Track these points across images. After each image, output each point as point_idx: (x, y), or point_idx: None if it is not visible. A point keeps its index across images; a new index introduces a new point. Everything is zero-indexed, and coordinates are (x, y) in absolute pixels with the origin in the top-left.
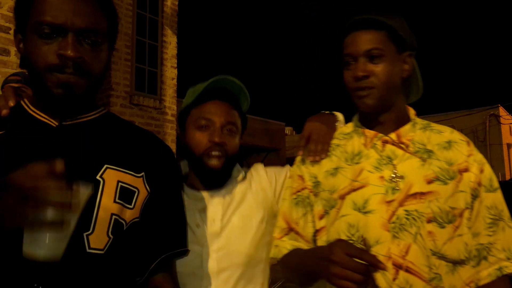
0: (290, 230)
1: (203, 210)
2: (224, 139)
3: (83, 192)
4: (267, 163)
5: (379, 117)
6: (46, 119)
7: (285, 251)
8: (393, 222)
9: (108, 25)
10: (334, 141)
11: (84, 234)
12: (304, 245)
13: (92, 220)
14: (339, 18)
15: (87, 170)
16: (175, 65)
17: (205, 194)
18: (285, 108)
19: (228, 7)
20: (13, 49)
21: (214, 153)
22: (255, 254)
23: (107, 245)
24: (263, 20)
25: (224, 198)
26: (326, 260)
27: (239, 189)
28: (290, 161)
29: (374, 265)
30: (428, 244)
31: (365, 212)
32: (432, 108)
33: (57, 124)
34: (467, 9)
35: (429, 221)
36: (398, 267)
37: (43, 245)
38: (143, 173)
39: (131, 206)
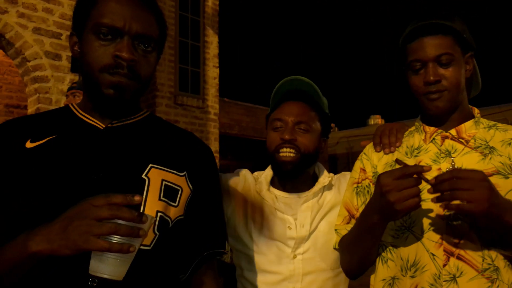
0: (351, 217)
1: (293, 214)
2: (295, 136)
3: (149, 220)
4: None
5: (444, 118)
6: (93, 122)
7: (344, 232)
8: (449, 211)
9: (160, 33)
10: None
11: None
12: None
13: None
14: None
15: (132, 169)
16: (217, 65)
17: (294, 196)
18: (327, 105)
19: (268, 6)
20: (64, 54)
21: (285, 149)
22: (339, 261)
23: (154, 241)
24: (305, 18)
25: (312, 203)
26: (380, 196)
27: (329, 195)
28: (333, 158)
29: (421, 171)
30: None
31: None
32: (485, 101)
33: (104, 126)
34: None
35: None
36: (449, 253)
37: (110, 266)
38: (185, 172)
39: (176, 204)
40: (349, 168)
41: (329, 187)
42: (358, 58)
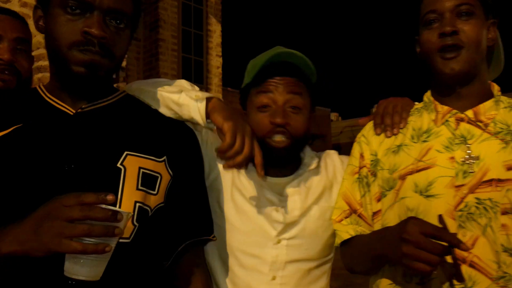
0: (352, 212)
1: (279, 195)
2: (288, 119)
3: (125, 217)
4: (312, 150)
5: (458, 89)
6: (63, 106)
7: (346, 236)
8: (461, 210)
9: (133, 10)
10: None
11: None
12: (366, 229)
13: None
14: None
15: (106, 158)
16: (220, 54)
17: (279, 180)
18: (330, 94)
19: None
20: None
21: (277, 135)
22: (325, 252)
23: (133, 233)
24: (309, 5)
25: (300, 187)
26: (397, 239)
27: (316, 179)
28: (336, 148)
29: (456, 245)
30: (500, 238)
31: (428, 196)
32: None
33: (74, 111)
34: None
35: (504, 213)
36: (461, 261)
37: (85, 267)
38: (164, 157)
39: (155, 192)
40: None
41: (315, 170)
42: (362, 46)
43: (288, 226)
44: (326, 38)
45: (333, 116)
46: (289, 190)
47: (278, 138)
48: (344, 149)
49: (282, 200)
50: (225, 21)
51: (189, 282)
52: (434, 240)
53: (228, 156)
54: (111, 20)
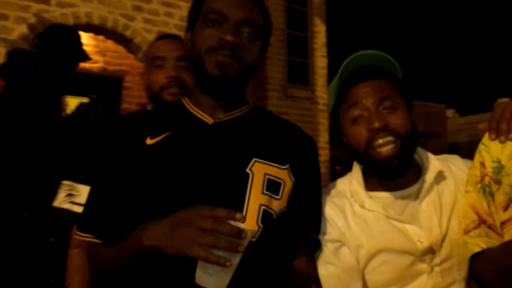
0: (482, 222)
1: (413, 218)
2: (386, 119)
3: (249, 235)
4: (426, 150)
5: None
6: (203, 117)
7: (476, 249)
8: None
9: (263, 24)
10: None
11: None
12: (496, 241)
13: (243, 210)
14: None
15: (238, 163)
16: (325, 54)
17: (403, 194)
18: (446, 88)
19: None
20: None
21: (380, 140)
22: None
23: (258, 234)
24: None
25: (432, 199)
26: None
27: (445, 185)
28: (453, 147)
29: None
30: None
31: None
32: None
33: (213, 121)
34: None
35: None
36: None
37: (212, 277)
38: (288, 165)
39: (279, 197)
40: (472, 158)
41: (441, 174)
42: (487, 36)
43: (434, 250)
44: (437, 29)
45: (450, 113)
46: (422, 206)
47: (382, 143)
48: (464, 149)
49: (417, 222)
50: (330, 20)
51: (302, 282)
52: None
53: None
54: (243, 31)
